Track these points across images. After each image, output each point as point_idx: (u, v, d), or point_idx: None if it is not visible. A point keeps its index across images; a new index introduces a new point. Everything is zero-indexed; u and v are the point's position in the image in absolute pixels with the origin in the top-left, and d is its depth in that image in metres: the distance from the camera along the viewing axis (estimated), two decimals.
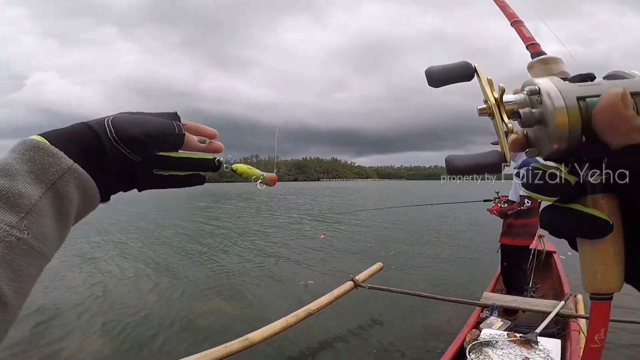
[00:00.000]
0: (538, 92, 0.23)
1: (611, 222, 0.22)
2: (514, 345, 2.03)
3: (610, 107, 0.20)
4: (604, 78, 0.23)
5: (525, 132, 0.25)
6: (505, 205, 3.09)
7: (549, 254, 3.80)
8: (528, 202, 2.89)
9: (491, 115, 0.25)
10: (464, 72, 0.27)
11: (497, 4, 0.41)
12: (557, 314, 2.36)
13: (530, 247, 3.24)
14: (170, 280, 5.09)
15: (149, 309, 3.89)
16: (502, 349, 2.02)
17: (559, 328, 2.30)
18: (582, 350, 1.97)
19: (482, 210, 4.32)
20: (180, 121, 0.36)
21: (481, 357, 1.95)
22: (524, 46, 0.33)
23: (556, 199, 0.24)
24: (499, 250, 3.24)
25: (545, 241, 3.79)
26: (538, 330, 2.15)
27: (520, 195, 2.95)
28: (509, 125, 0.24)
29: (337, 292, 2.84)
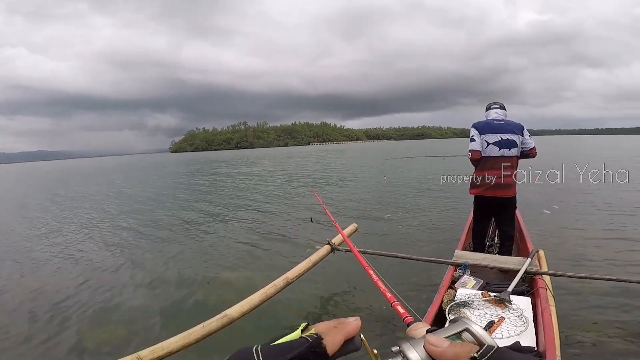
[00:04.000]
0: (403, 355, 0.34)
1: None
2: (489, 305, 2.11)
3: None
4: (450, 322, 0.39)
5: None
6: None
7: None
8: (469, 154, 3.11)
9: None
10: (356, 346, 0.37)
11: (380, 289, 0.72)
12: (525, 272, 2.50)
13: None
14: (136, 258, 4.74)
15: (119, 292, 3.61)
16: (478, 309, 2.09)
17: (527, 285, 2.43)
18: (552, 307, 2.10)
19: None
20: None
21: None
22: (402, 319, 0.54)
23: None
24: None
25: None
26: (510, 289, 2.25)
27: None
28: None
29: (314, 257, 2.76)
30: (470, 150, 3.08)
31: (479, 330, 0.35)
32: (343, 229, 3.32)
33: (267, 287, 2.34)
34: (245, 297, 2.19)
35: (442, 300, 2.28)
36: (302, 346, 0.32)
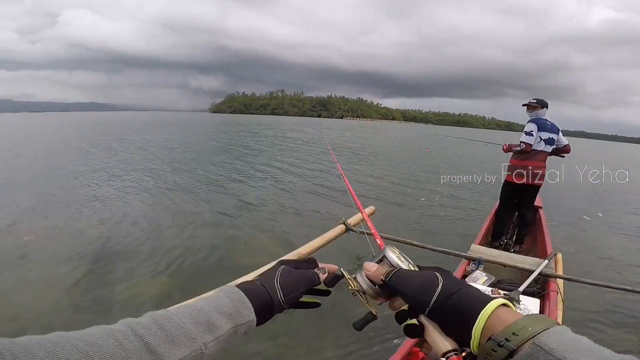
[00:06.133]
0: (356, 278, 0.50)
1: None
2: None
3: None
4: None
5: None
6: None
7: (535, 209, 3.82)
8: (522, 145, 3.45)
9: (356, 295, 0.49)
10: (337, 279, 0.54)
11: None
12: (539, 273, 2.43)
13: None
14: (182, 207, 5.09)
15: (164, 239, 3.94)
16: None
17: (539, 287, 2.38)
18: (559, 311, 2.07)
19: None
20: (317, 266, 0.54)
21: None
22: None
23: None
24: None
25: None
26: (520, 289, 2.23)
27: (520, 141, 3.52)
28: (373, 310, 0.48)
29: (328, 235, 2.82)
30: (524, 142, 3.45)
31: (392, 256, 0.47)
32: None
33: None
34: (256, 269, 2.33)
35: None
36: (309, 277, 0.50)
